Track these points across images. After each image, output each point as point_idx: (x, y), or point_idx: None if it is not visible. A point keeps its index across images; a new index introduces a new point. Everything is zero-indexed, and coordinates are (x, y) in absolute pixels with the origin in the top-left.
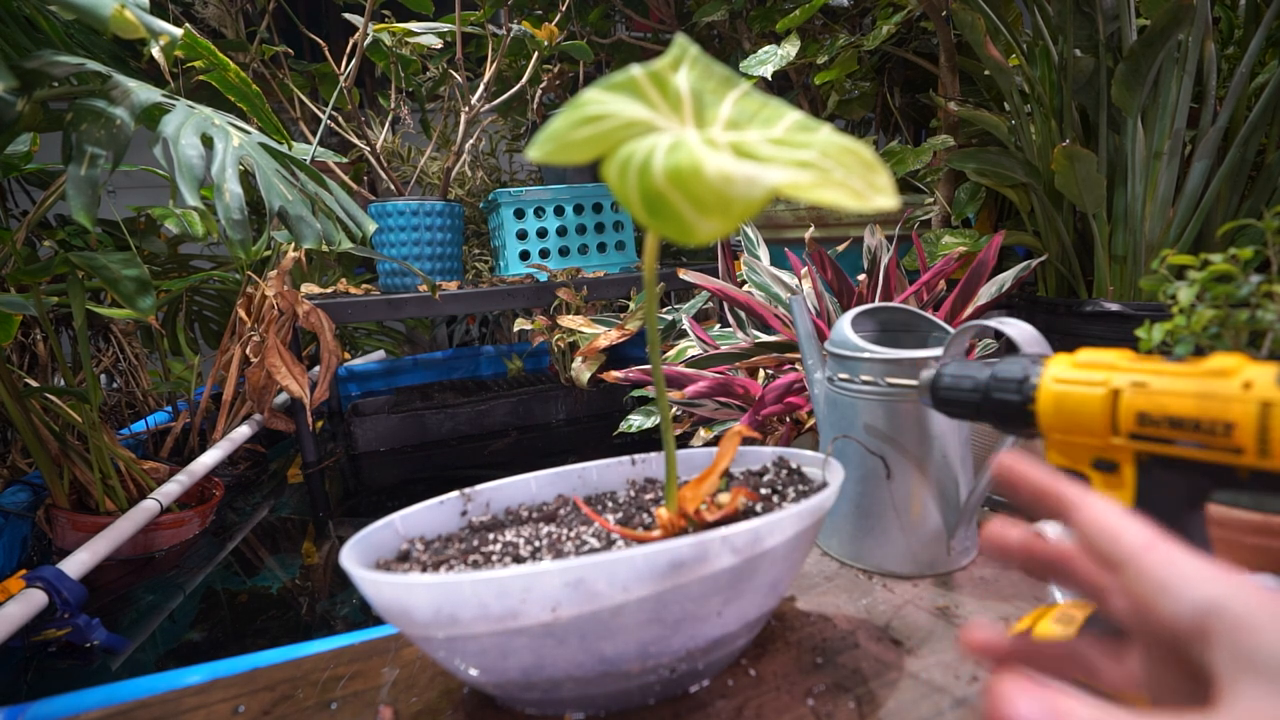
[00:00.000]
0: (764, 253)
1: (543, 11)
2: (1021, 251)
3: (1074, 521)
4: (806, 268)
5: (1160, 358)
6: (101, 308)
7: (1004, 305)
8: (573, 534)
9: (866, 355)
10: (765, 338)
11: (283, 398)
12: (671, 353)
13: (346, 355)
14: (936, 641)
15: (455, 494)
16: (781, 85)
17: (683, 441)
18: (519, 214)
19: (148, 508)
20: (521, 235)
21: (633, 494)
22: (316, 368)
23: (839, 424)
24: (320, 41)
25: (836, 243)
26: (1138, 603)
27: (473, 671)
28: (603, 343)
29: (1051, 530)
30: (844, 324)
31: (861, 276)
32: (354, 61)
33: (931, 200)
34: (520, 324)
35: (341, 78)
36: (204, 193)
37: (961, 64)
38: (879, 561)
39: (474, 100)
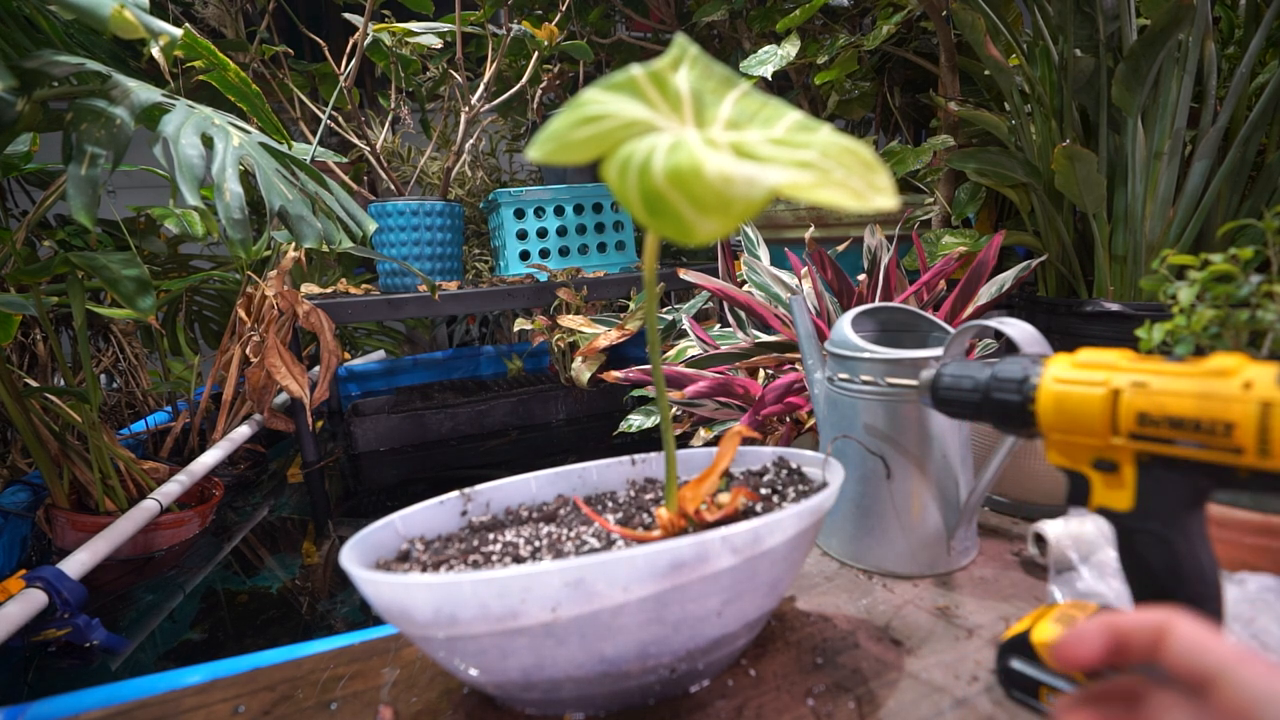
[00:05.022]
0: (764, 253)
1: (543, 11)
2: (1021, 251)
3: (1164, 648)
4: (806, 268)
5: (1160, 358)
6: (101, 308)
7: (1004, 305)
8: (573, 534)
9: (866, 355)
10: (765, 338)
11: (283, 398)
12: (671, 353)
13: (346, 355)
14: (936, 641)
15: (455, 494)
16: (781, 85)
17: (683, 441)
18: (519, 214)
19: (148, 508)
20: (521, 235)
21: (633, 494)
22: (316, 368)
23: (839, 424)
24: (320, 41)
25: (836, 243)
26: (1238, 711)
27: (473, 671)
28: (603, 343)
29: (1050, 530)
30: (844, 324)
31: (861, 276)
32: (354, 61)
33: (931, 200)
34: (520, 324)
35: (341, 78)
36: (204, 193)
37: (961, 64)
38: (879, 561)
39: (474, 100)
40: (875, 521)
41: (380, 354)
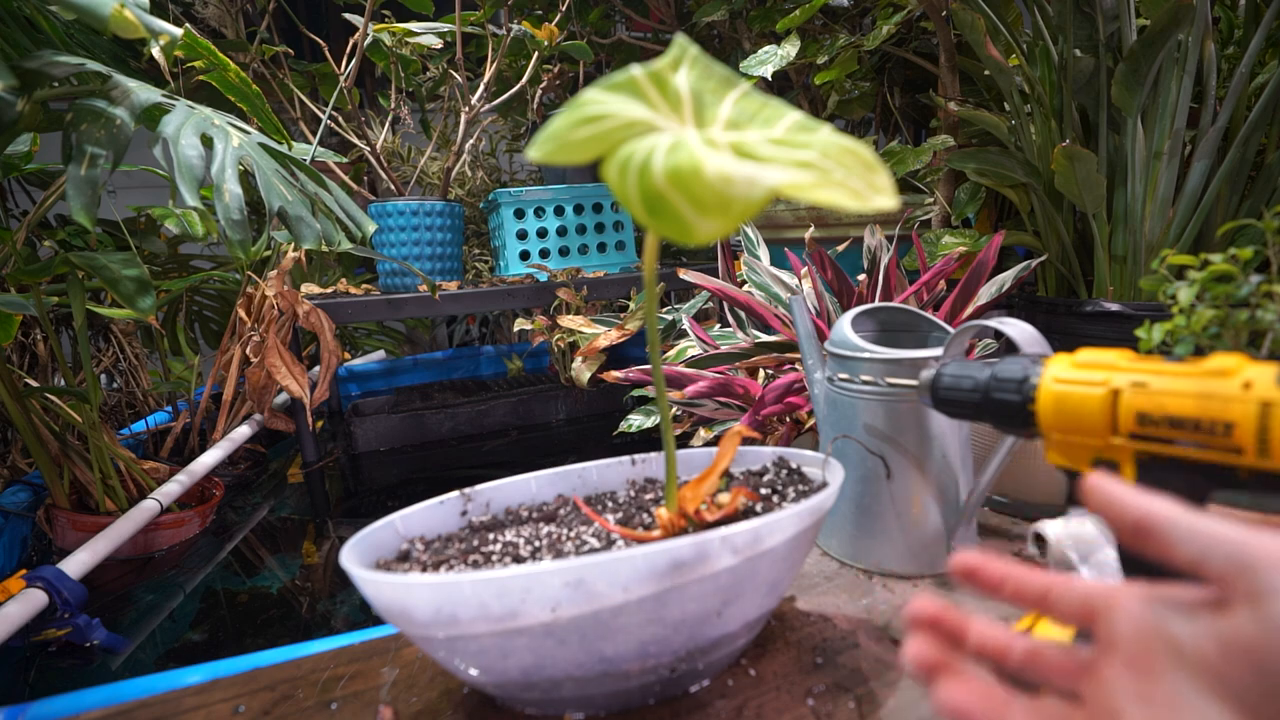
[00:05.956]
0: (764, 253)
1: (543, 11)
2: (1021, 251)
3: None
4: (806, 268)
5: (1160, 358)
6: (101, 308)
7: (1004, 305)
8: (573, 534)
9: (866, 355)
10: (765, 338)
11: (283, 398)
12: (671, 353)
13: (346, 355)
14: None
15: (455, 494)
16: (781, 85)
17: (683, 441)
18: (519, 214)
19: (148, 508)
20: (521, 235)
21: (633, 494)
22: (316, 368)
23: (839, 424)
24: (320, 41)
25: (836, 243)
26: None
27: (473, 671)
28: (603, 343)
29: (1050, 530)
30: (844, 324)
31: (861, 276)
32: (354, 61)
33: (931, 200)
34: (520, 324)
35: (341, 78)
36: (204, 193)
37: (961, 64)
38: (879, 561)
39: (474, 100)
40: (875, 521)
41: (380, 354)
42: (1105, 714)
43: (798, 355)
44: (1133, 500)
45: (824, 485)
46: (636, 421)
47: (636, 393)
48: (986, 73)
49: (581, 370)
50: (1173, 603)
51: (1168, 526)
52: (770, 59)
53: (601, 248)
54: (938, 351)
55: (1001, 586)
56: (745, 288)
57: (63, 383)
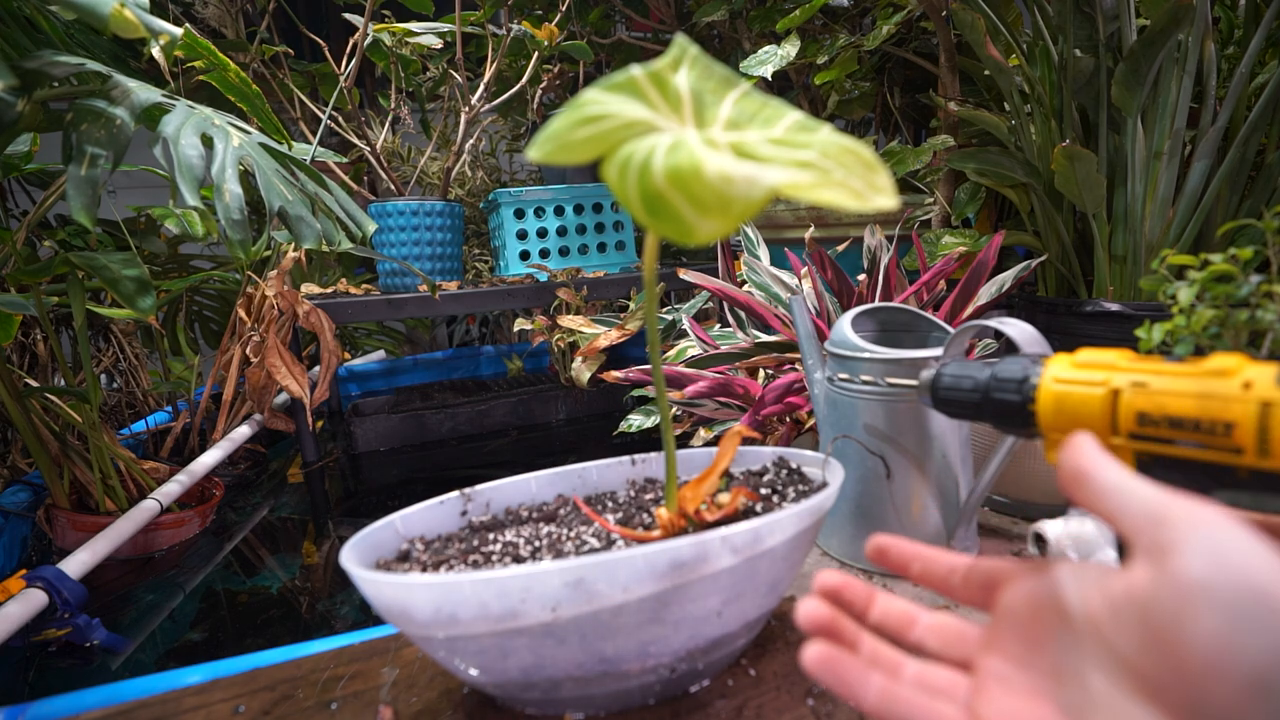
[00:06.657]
0: (764, 253)
1: (543, 11)
2: (1021, 251)
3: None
4: (806, 268)
5: (1160, 358)
6: (101, 308)
7: (1004, 305)
8: (573, 534)
9: (866, 355)
10: (765, 338)
11: (283, 398)
12: (671, 353)
13: (346, 355)
14: None
15: (455, 494)
16: (781, 85)
17: (683, 441)
18: (519, 214)
19: (148, 508)
20: (521, 235)
21: (633, 494)
22: (316, 368)
23: (839, 424)
24: (320, 41)
25: (836, 243)
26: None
27: (473, 671)
28: (603, 343)
29: (1050, 530)
30: (844, 324)
31: (861, 276)
32: (354, 61)
33: (931, 200)
34: (520, 324)
35: (341, 78)
36: (204, 193)
37: (961, 64)
38: None
39: (474, 100)
40: (875, 521)
41: (380, 354)
42: (990, 681)
43: (798, 355)
44: (1083, 449)
45: (824, 485)
46: (636, 421)
47: (636, 393)
48: (986, 73)
49: (581, 370)
50: (1071, 571)
51: (1100, 476)
52: (770, 59)
53: (601, 248)
54: (938, 351)
55: (908, 565)
56: (745, 288)
57: (63, 383)
